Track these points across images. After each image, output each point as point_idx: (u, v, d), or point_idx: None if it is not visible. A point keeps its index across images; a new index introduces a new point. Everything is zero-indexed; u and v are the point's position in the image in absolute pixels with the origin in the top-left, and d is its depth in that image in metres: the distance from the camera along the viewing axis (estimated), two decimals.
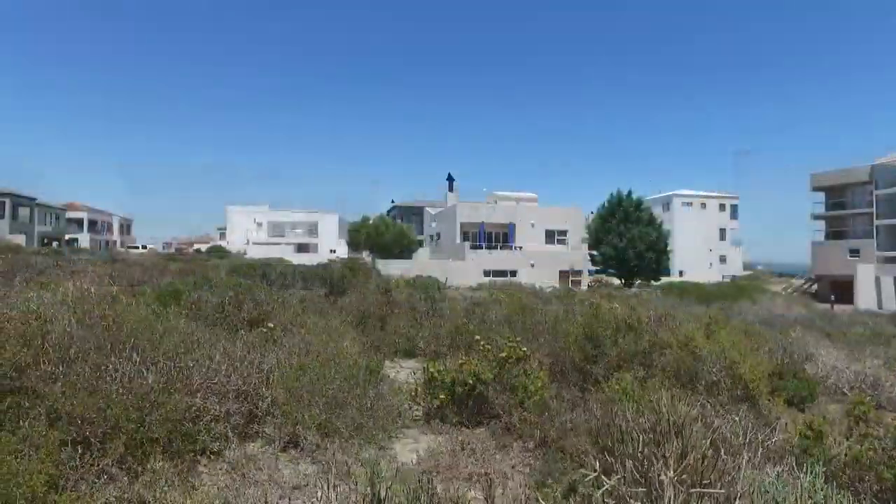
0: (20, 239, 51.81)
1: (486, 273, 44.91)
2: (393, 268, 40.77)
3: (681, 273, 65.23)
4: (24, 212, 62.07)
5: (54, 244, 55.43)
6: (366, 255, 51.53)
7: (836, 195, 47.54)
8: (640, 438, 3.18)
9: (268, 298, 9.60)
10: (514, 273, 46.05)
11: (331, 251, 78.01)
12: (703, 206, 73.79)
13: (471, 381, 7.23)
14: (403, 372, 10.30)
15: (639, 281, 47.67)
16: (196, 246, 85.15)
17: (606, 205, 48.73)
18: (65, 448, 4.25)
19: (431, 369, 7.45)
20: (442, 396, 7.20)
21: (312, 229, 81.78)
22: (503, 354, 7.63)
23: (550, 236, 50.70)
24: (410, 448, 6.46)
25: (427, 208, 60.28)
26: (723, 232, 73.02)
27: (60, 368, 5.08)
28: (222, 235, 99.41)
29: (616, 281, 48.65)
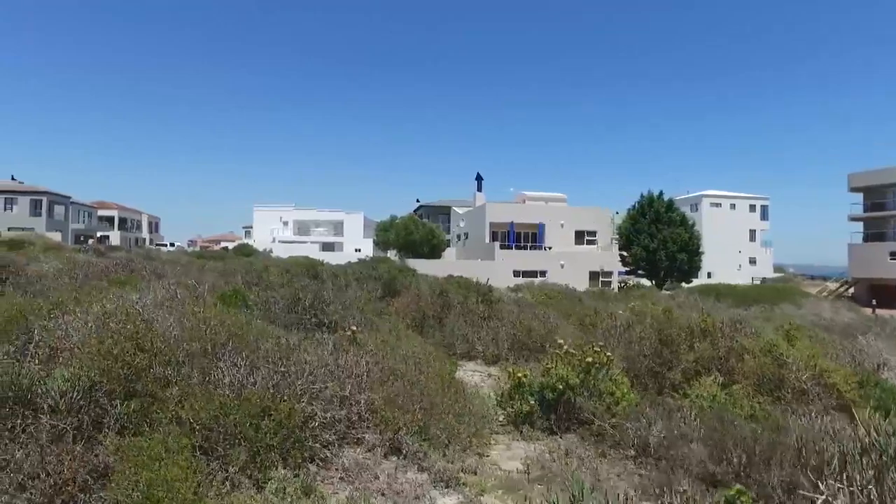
0: (57, 236, 52.77)
1: (516, 273, 44.58)
2: (421, 268, 40.68)
3: (709, 275, 64.14)
4: (59, 210, 63.21)
5: (90, 241, 56.31)
6: (393, 255, 51.55)
7: (876, 196, 46.35)
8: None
9: (334, 300, 9.52)
10: (543, 273, 45.64)
11: (356, 250, 78.29)
12: (733, 206, 72.53)
13: (560, 387, 7.07)
14: (466, 375, 10.16)
15: (668, 283, 46.98)
16: (224, 244, 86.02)
17: (637, 205, 48.05)
18: (195, 455, 4.19)
19: (519, 374, 7.30)
20: (532, 402, 7.05)
21: (338, 228, 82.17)
22: (589, 359, 7.45)
23: (580, 237, 50.21)
24: (507, 455, 6.33)
25: (454, 208, 60.02)
26: (752, 233, 71.68)
27: (169, 372, 5.03)
28: (247, 234, 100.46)
29: (646, 282, 48.03)
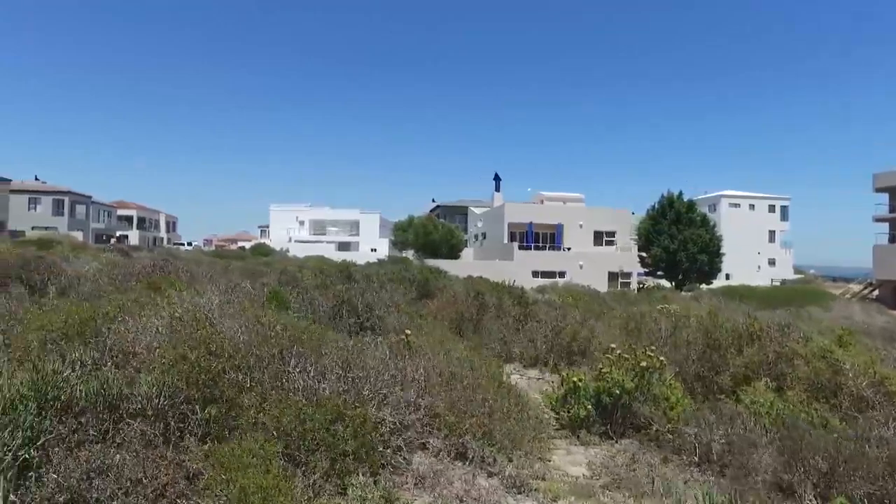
0: (78, 236, 53.44)
1: (535, 274, 44.47)
2: (441, 268, 40.68)
3: (727, 276, 63.49)
4: (80, 209, 64.06)
5: (111, 241, 57.01)
6: (411, 255, 51.57)
7: None
8: None
9: (377, 302, 9.51)
10: (562, 274, 45.46)
11: (371, 250, 78.61)
12: (752, 207, 71.85)
13: (617, 391, 7.01)
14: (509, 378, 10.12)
15: (688, 284, 46.58)
16: (240, 243, 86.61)
17: (657, 206, 47.69)
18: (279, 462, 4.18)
19: (574, 378, 7.25)
20: (589, 406, 6.99)
21: (354, 228, 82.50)
22: (643, 364, 7.38)
23: (598, 237, 49.97)
24: (568, 460, 6.28)
25: (471, 207, 60.01)
26: (772, 234, 70.93)
27: (241, 377, 5.04)
28: (262, 233, 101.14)
29: (665, 283, 47.68)
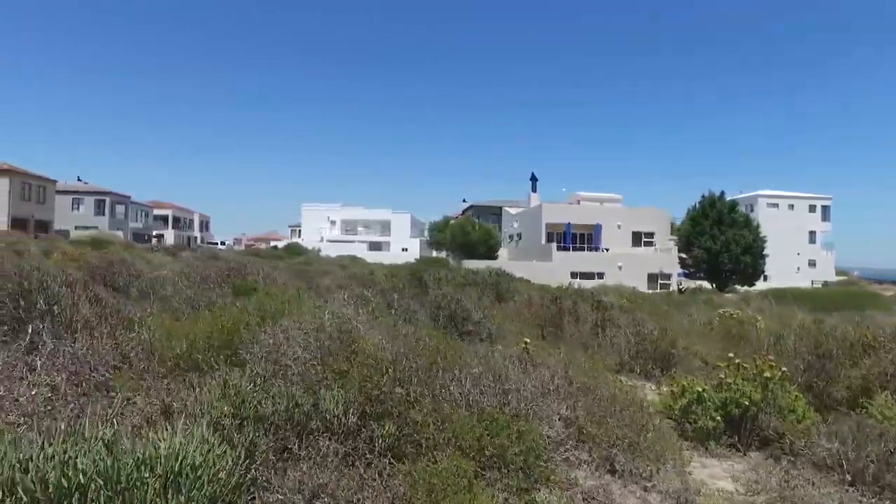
0: (119, 235, 54.55)
1: (573, 275, 44.00)
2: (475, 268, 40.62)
3: (765, 278, 62.28)
4: (120, 209, 65.40)
5: (153, 240, 58.11)
6: (444, 255, 51.52)
7: None
8: None
9: (476, 308, 9.42)
10: (601, 275, 45.00)
11: (402, 249, 78.83)
12: (791, 207, 70.34)
13: (746, 402, 6.80)
14: None
15: (728, 286, 45.71)
16: (273, 243, 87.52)
17: (698, 206, 46.90)
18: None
19: (697, 387, 7.06)
20: (718, 417, 6.80)
21: (385, 228, 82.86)
22: (767, 374, 7.15)
23: (637, 238, 49.41)
24: (706, 473, 6.11)
25: (506, 208, 59.74)
26: (812, 234, 69.35)
27: (406, 390, 4.97)
28: (292, 232, 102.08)
29: (707, 285, 46.87)
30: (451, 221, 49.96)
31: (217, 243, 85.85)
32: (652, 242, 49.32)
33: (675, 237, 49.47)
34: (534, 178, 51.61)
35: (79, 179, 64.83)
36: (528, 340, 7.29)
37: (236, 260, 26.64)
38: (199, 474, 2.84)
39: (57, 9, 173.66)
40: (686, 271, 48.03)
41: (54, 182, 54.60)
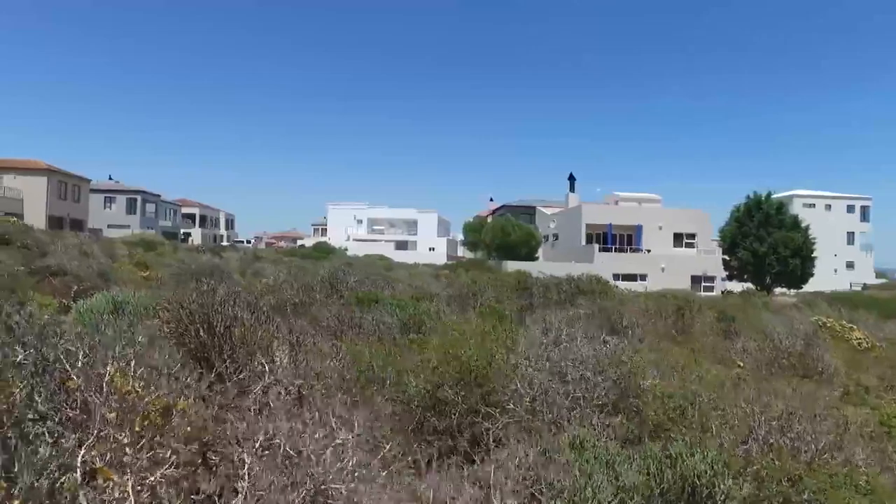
0: (150, 234, 54.48)
1: (616, 276, 43.15)
2: (515, 269, 39.90)
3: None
4: (150, 208, 65.46)
5: (191, 241, 58.04)
6: (480, 255, 50.81)
7: None
8: None
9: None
10: (643, 277, 44.13)
11: (429, 249, 78.26)
12: (828, 207, 68.75)
13: None
14: None
15: (774, 289, 44.57)
16: (298, 242, 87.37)
17: (742, 207, 45.66)
18: None
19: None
20: None
21: (412, 227, 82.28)
22: None
23: (678, 239, 48.44)
24: None
25: (540, 208, 58.91)
26: (851, 235, 67.73)
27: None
28: (316, 231, 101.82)
29: (753, 288, 45.70)
30: (488, 221, 49.24)
31: (243, 241, 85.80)
32: (693, 244, 48.34)
33: (717, 238, 48.36)
34: (572, 179, 50.82)
35: (110, 178, 65.05)
36: (742, 364, 6.61)
37: (297, 264, 26.03)
38: None
39: (87, 9, 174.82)
40: (728, 273, 46.88)
41: (89, 181, 54.61)
